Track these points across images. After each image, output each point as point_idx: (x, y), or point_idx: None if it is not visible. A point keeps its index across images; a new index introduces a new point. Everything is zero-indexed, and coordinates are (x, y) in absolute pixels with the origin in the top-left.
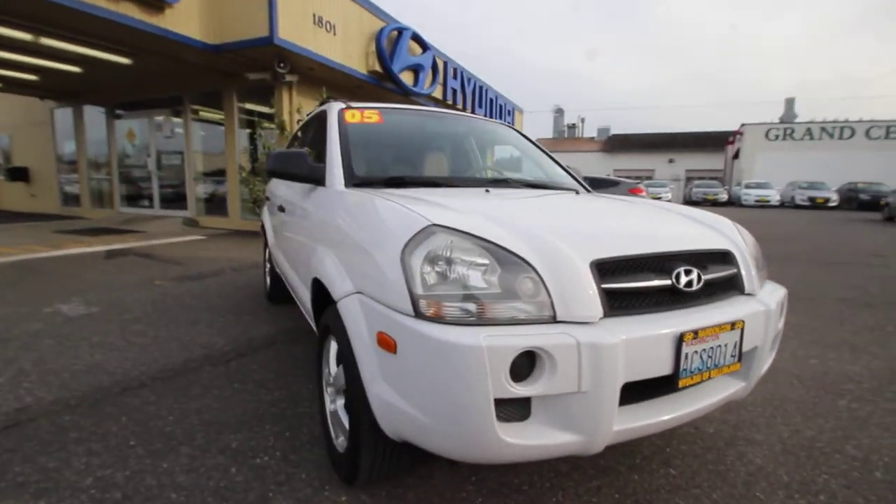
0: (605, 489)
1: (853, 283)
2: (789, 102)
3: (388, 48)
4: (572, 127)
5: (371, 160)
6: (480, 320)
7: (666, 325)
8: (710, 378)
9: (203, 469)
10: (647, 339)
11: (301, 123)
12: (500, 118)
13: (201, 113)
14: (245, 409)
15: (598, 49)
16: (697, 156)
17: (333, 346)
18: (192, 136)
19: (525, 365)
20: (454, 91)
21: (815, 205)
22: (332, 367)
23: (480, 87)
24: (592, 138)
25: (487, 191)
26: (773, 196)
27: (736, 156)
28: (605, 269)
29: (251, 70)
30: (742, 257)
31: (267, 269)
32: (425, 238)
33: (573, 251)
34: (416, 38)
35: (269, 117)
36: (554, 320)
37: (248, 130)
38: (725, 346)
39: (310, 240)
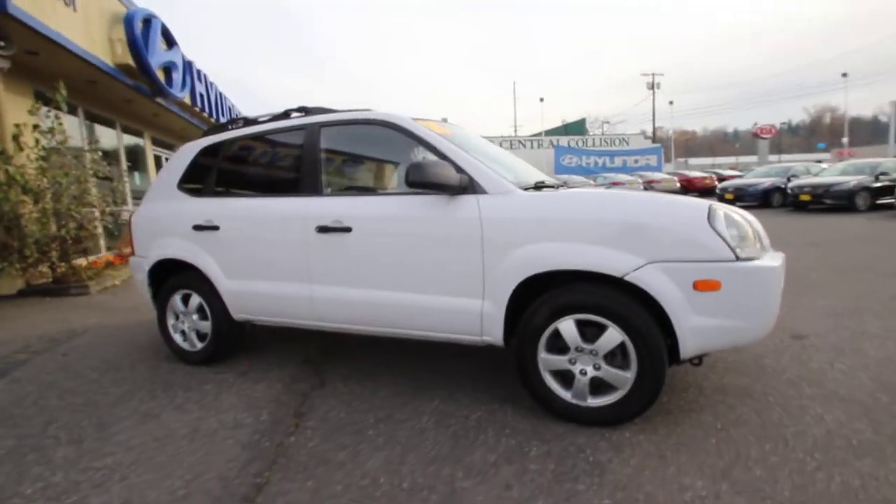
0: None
1: None
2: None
3: (142, 38)
4: None
5: None
6: (755, 255)
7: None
8: None
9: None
10: None
11: (254, 131)
12: None
13: None
14: (472, 437)
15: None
16: None
17: (568, 325)
18: None
19: None
20: (202, 96)
21: None
22: (577, 340)
23: (220, 94)
24: None
25: (608, 186)
26: None
27: None
28: None
29: None
30: None
31: (186, 327)
32: (713, 212)
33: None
34: (164, 31)
35: None
36: (764, 251)
37: None
38: None
39: (491, 246)
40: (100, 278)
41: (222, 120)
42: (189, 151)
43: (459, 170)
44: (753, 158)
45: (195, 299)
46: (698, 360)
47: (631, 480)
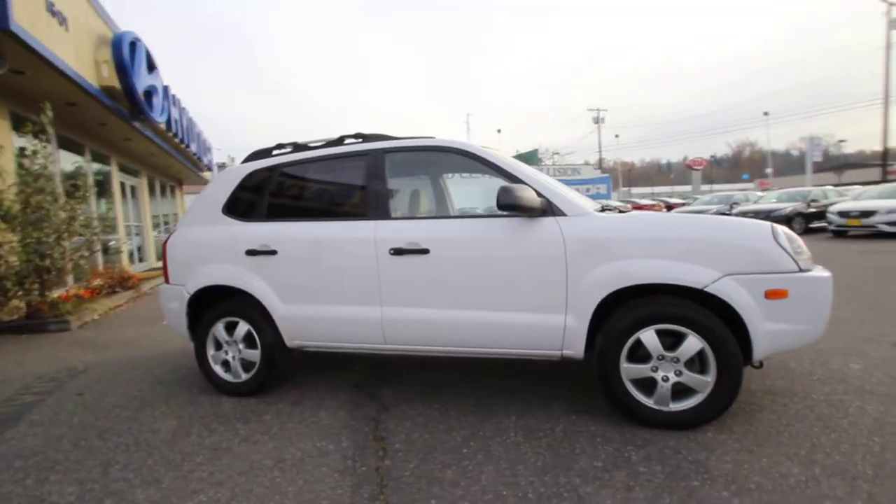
0: None
1: None
2: None
3: (129, 61)
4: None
5: None
6: (811, 267)
7: None
8: None
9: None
10: None
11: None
12: (204, 155)
13: None
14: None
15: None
16: None
17: (650, 335)
18: None
19: None
20: (176, 121)
21: None
22: (659, 349)
23: (190, 119)
24: None
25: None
26: None
27: None
28: None
29: None
30: None
31: (230, 357)
32: (774, 230)
33: None
34: (147, 55)
35: None
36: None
37: None
38: None
39: (574, 264)
40: (79, 312)
41: (192, 146)
42: (234, 176)
43: (539, 194)
44: (688, 188)
45: (242, 327)
46: (760, 363)
47: (736, 473)
